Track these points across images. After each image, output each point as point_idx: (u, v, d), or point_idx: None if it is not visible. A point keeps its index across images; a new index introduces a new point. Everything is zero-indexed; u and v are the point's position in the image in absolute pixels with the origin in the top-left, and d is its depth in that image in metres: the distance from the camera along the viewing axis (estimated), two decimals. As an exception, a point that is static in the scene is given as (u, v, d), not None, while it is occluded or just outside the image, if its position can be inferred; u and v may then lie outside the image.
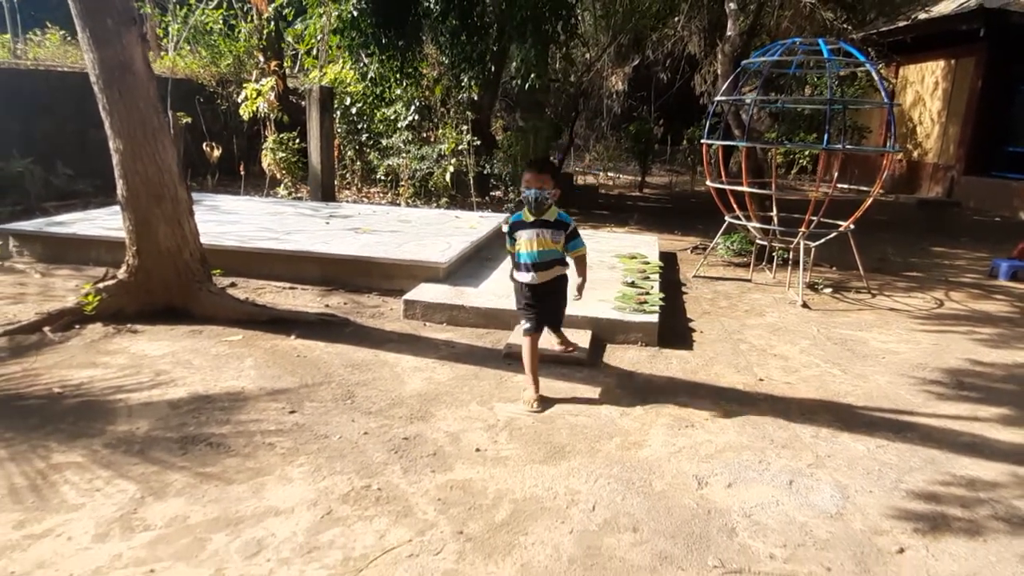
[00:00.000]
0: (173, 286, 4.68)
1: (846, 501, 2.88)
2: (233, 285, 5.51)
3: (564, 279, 3.88)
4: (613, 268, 6.11)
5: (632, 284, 5.48)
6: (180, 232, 4.60)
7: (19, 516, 2.55)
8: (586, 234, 8.27)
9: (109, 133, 4.29)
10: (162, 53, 11.74)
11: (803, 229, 6.19)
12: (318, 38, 10.53)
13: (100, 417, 3.34)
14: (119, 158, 4.33)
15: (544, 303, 3.81)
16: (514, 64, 10.48)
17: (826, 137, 6.34)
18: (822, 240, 6.31)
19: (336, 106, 10.28)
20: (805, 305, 5.83)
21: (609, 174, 15.89)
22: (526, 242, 3.69)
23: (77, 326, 4.47)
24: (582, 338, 4.48)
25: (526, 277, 3.74)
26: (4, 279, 5.60)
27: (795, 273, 6.28)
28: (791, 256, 6.52)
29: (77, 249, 6.01)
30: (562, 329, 4.23)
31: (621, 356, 4.47)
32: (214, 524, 2.56)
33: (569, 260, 3.86)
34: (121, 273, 4.67)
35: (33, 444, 3.06)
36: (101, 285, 4.64)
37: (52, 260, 6.07)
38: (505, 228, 3.87)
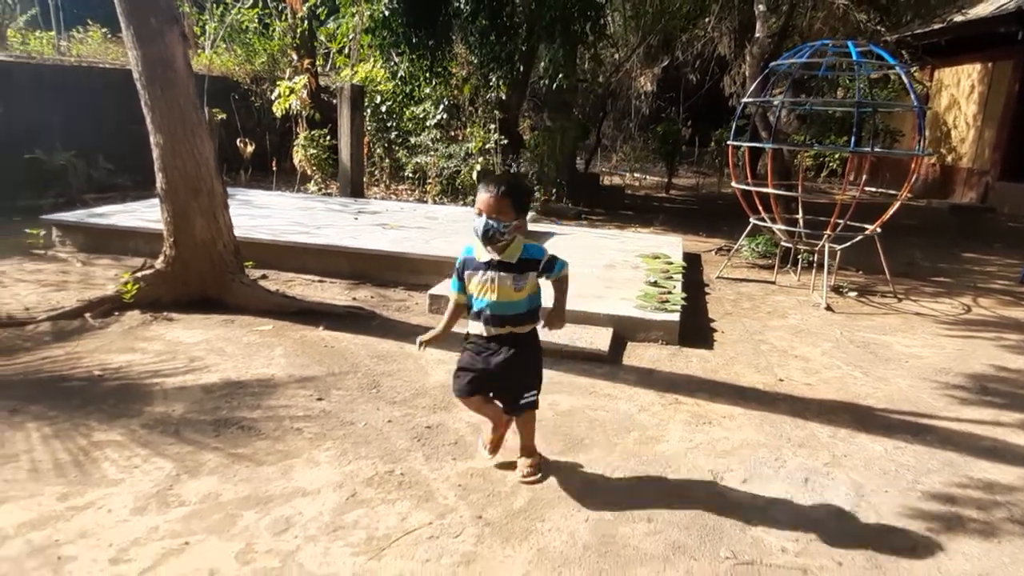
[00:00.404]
0: (208, 277, 4.84)
1: (861, 499, 2.91)
2: (264, 277, 5.67)
3: (530, 340, 2.86)
4: (636, 268, 6.16)
5: (655, 283, 5.53)
6: (215, 225, 4.75)
7: (63, 489, 2.70)
8: (611, 234, 8.39)
9: (150, 128, 4.45)
10: (199, 51, 12.02)
11: (828, 232, 6.17)
12: (350, 37, 10.70)
13: (138, 399, 3.49)
14: (159, 152, 4.50)
15: (492, 363, 2.79)
16: (542, 64, 10.56)
17: (853, 139, 6.32)
18: (848, 243, 6.29)
19: (366, 104, 10.44)
20: (829, 308, 5.82)
21: (636, 175, 15.88)
22: (478, 286, 2.74)
23: (116, 313, 4.65)
24: (603, 336, 4.54)
25: (477, 327, 2.81)
26: (48, 267, 5.83)
27: (819, 276, 6.27)
28: (816, 259, 6.51)
29: (116, 240, 6.22)
30: (536, 400, 2.93)
31: (642, 354, 4.52)
32: (245, 502, 2.68)
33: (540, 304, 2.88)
34: (159, 263, 4.84)
35: (75, 423, 3.22)
36: (139, 274, 4.82)
37: (93, 250, 6.29)
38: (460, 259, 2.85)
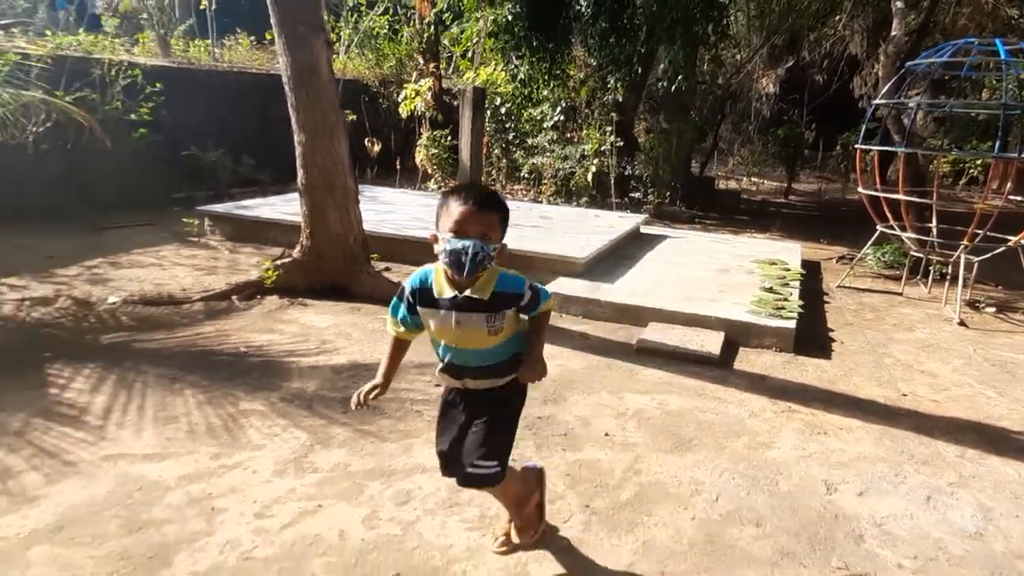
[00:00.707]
0: (338, 267, 5.20)
1: (988, 523, 2.78)
2: (388, 269, 5.99)
3: (512, 392, 2.29)
4: (751, 273, 6.04)
5: (770, 290, 5.41)
6: (347, 219, 5.11)
7: (215, 449, 3.04)
8: (725, 238, 8.23)
9: (295, 128, 4.85)
10: (334, 56, 12.76)
11: (965, 242, 5.80)
12: (474, 41, 11.05)
13: (277, 375, 3.84)
14: (301, 150, 4.89)
15: (467, 422, 2.27)
16: (661, 66, 10.49)
17: (998, 144, 5.90)
18: (987, 255, 5.88)
19: (487, 106, 10.74)
20: (962, 323, 5.48)
21: (753, 179, 15.39)
22: (439, 331, 2.15)
23: (258, 297, 5.10)
24: (714, 339, 4.51)
25: (447, 378, 2.28)
26: (201, 253, 6.47)
27: (953, 289, 5.90)
28: (950, 271, 6.12)
29: (258, 230, 6.79)
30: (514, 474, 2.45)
31: (754, 360, 4.46)
32: (371, 473, 2.91)
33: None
34: (296, 253, 5.26)
35: (225, 392, 3.59)
36: (279, 262, 5.26)
37: (239, 239, 6.90)
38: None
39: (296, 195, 5.26)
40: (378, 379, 2.28)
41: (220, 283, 5.34)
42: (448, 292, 2.08)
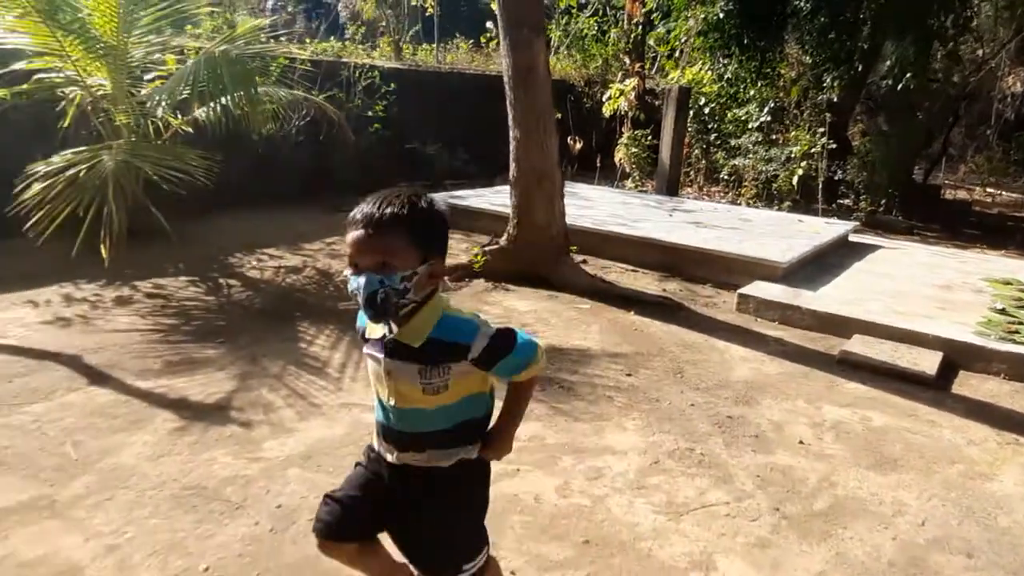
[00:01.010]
0: (541, 256, 5.50)
1: None
2: (584, 262, 6.21)
3: (461, 478, 1.71)
4: (980, 292, 5.48)
5: (1002, 311, 4.88)
6: (551, 211, 5.39)
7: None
8: (948, 252, 7.53)
9: (511, 123, 5.21)
10: (545, 56, 13.28)
11: None
12: (681, 40, 10.96)
13: (482, 351, 4.19)
14: (515, 145, 5.24)
15: (388, 503, 1.74)
16: (887, 63, 9.71)
17: None
18: None
19: (690, 106, 10.63)
20: None
21: (988, 190, 13.67)
22: (375, 379, 1.67)
23: (467, 279, 5.56)
24: (930, 358, 4.19)
25: (377, 443, 1.75)
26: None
27: None
28: None
29: (469, 218, 7.32)
30: None
31: (977, 386, 4.09)
32: (563, 448, 3.13)
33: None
34: (503, 240, 5.65)
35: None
36: (486, 248, 5.68)
37: (452, 226, 7.48)
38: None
39: (504, 187, 5.64)
40: None
41: (433, 265, 5.88)
42: (378, 332, 1.61)
